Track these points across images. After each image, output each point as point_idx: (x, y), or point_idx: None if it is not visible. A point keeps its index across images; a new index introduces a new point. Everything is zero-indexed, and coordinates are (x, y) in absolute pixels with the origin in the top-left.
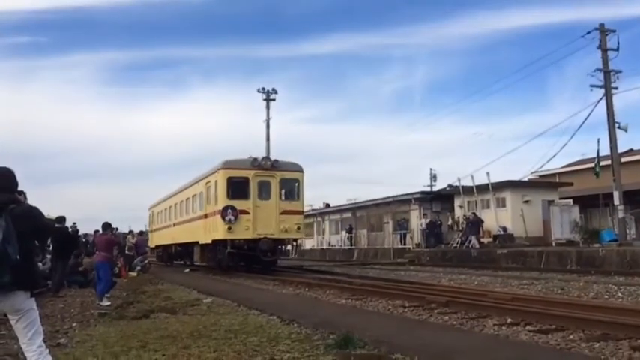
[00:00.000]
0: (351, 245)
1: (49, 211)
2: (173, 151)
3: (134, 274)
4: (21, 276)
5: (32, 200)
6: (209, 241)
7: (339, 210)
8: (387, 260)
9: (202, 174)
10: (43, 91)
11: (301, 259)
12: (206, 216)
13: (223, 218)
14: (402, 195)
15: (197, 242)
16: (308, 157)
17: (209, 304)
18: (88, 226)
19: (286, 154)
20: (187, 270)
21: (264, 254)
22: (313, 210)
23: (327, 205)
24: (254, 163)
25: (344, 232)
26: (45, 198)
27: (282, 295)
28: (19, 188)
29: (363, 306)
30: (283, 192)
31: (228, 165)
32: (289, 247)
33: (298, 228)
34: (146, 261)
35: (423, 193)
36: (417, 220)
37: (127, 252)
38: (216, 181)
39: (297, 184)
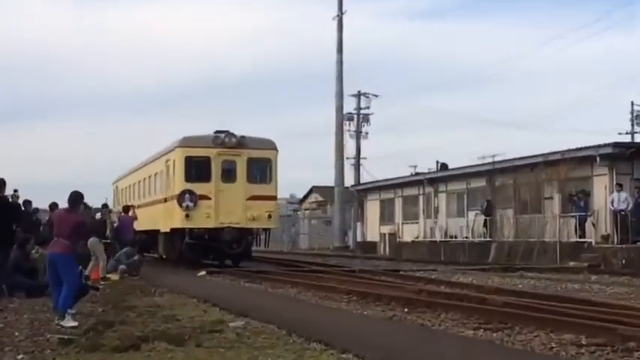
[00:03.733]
0: (487, 236)
1: None
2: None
3: (116, 276)
4: None
5: None
6: (168, 230)
7: (464, 174)
8: (550, 264)
9: (163, 149)
10: None
11: (397, 259)
12: (165, 200)
13: (180, 204)
14: (577, 149)
15: (159, 231)
16: (403, 79)
17: (239, 329)
18: (37, 196)
19: (368, 76)
20: (203, 272)
21: (228, 246)
22: (417, 174)
23: (443, 167)
24: (216, 141)
25: (474, 214)
26: None
27: (364, 318)
28: None
29: (507, 342)
30: (252, 173)
31: (186, 142)
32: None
33: (269, 216)
34: (135, 257)
35: (616, 145)
36: (606, 194)
37: (106, 240)
38: (174, 160)
39: (269, 165)
